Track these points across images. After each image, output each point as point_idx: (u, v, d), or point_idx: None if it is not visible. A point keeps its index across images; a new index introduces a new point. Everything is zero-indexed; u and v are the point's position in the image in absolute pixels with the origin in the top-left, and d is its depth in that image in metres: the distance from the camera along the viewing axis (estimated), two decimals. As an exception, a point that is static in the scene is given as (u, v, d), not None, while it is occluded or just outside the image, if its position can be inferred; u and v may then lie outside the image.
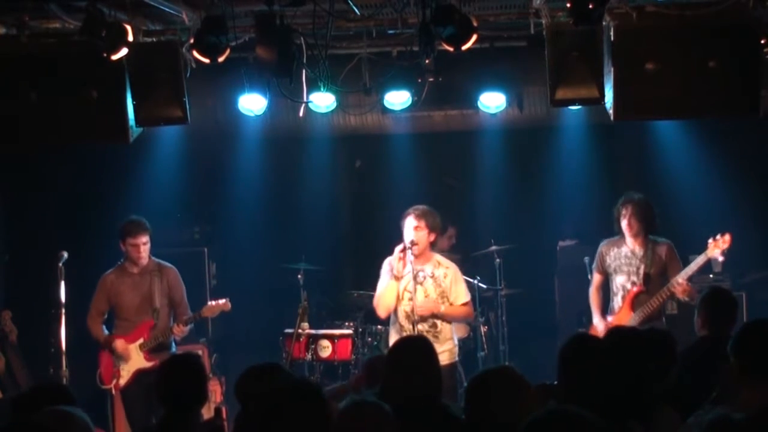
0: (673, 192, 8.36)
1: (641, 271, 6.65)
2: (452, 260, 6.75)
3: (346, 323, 7.85)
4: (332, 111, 7.01)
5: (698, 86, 5.90)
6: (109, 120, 6.25)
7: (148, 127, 6.57)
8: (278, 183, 9.16)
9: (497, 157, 8.83)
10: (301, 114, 6.82)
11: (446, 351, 6.35)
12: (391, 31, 6.48)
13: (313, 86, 6.34)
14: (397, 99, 6.87)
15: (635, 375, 3.60)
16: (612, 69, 5.84)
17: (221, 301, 6.98)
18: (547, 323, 8.79)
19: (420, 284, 6.40)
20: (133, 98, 6.22)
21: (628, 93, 5.91)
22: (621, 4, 5.79)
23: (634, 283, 6.68)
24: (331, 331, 7.60)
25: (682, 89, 5.92)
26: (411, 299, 6.33)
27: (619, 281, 6.75)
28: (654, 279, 6.65)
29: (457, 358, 6.71)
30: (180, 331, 6.82)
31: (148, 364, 6.71)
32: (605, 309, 6.88)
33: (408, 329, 6.34)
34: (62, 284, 6.66)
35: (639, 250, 6.69)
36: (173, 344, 6.97)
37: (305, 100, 6.46)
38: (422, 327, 6.35)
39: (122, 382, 6.77)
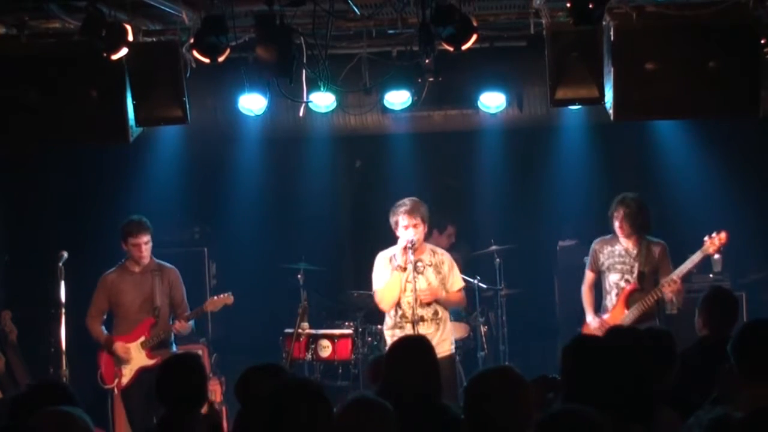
0: (673, 192, 8.37)
1: (636, 270, 6.67)
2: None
3: (346, 323, 7.84)
4: (332, 111, 7.01)
5: (698, 86, 5.91)
6: (109, 120, 6.25)
7: (148, 127, 6.57)
8: (278, 183, 9.16)
9: (497, 157, 8.82)
10: (301, 114, 6.82)
11: (446, 340, 6.54)
12: (391, 31, 6.48)
13: (313, 86, 6.34)
14: (397, 99, 6.87)
15: (635, 375, 3.59)
16: (612, 69, 5.85)
17: (224, 295, 6.99)
18: (547, 323, 8.80)
19: (420, 273, 6.48)
20: (133, 98, 6.22)
21: (628, 93, 5.91)
22: (621, 4, 5.79)
23: (628, 282, 6.70)
24: (331, 331, 7.61)
25: (682, 89, 5.92)
26: (413, 290, 6.38)
27: (613, 279, 6.77)
28: (648, 277, 6.67)
29: (455, 350, 6.79)
30: (182, 326, 6.83)
31: (150, 362, 6.72)
32: (597, 307, 6.89)
33: (411, 320, 6.38)
34: (62, 284, 6.64)
35: (633, 249, 6.71)
36: (174, 343, 6.98)
37: (305, 100, 6.46)
38: (425, 314, 6.45)
39: (124, 381, 6.78)
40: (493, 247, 8.35)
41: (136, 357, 6.79)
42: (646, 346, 4.07)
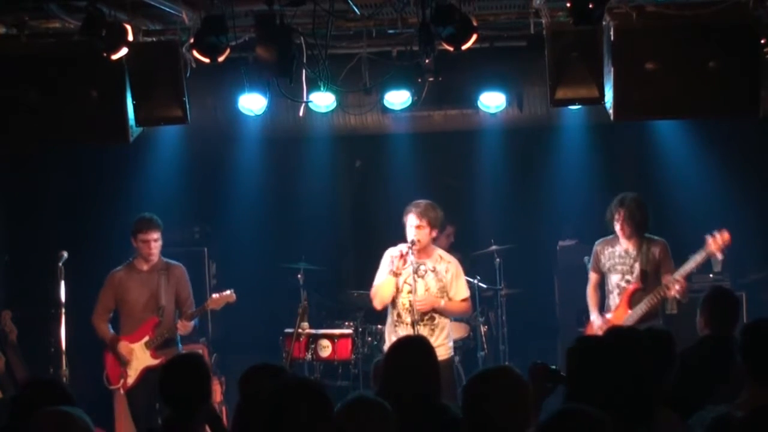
0: (673, 192, 8.37)
1: (636, 270, 6.68)
2: (451, 260, 6.77)
3: (346, 323, 7.85)
4: (332, 111, 7.00)
5: (698, 86, 5.90)
6: (109, 120, 6.25)
7: (148, 127, 6.57)
8: (278, 183, 9.16)
9: (497, 156, 8.82)
10: (301, 114, 6.82)
11: (443, 345, 6.42)
12: (391, 31, 6.48)
13: (313, 86, 6.34)
14: (397, 99, 6.87)
15: (635, 375, 3.59)
16: (612, 69, 5.85)
17: (226, 293, 6.98)
18: (547, 323, 8.80)
19: (421, 277, 6.46)
20: (133, 98, 6.22)
21: (628, 93, 5.90)
22: (621, 4, 5.78)
23: (628, 282, 6.71)
24: (331, 330, 7.61)
25: (682, 89, 5.92)
26: (410, 292, 6.38)
27: (614, 280, 6.78)
28: (650, 276, 6.67)
29: (453, 353, 6.76)
30: (184, 326, 6.83)
31: (155, 362, 6.72)
32: (602, 307, 6.90)
33: (407, 321, 6.40)
34: (62, 284, 6.65)
35: (633, 250, 6.71)
36: (179, 342, 6.97)
37: (305, 99, 6.45)
38: (420, 318, 6.40)
39: (130, 381, 6.79)
40: (493, 247, 8.36)
41: (141, 357, 6.79)
42: (646, 346, 4.07)
